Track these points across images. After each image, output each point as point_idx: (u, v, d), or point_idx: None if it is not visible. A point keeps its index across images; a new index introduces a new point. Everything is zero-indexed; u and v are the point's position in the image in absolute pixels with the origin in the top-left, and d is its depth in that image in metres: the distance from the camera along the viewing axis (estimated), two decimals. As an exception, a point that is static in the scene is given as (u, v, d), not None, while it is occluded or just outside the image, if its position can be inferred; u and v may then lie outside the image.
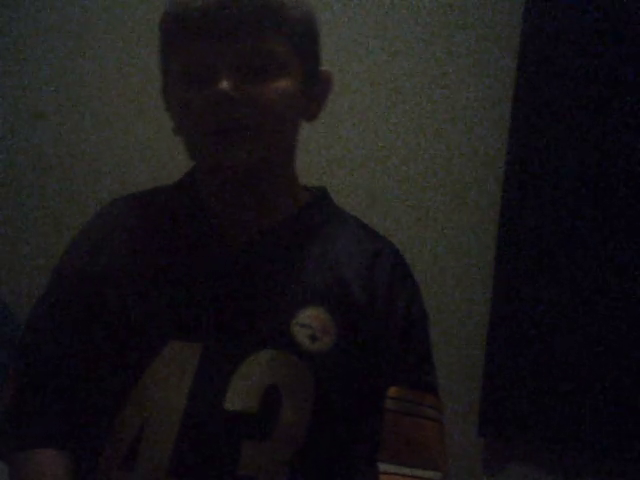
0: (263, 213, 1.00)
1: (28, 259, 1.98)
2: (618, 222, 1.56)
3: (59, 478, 0.93)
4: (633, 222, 1.56)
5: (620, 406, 1.54)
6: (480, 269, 1.69)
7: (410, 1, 1.77)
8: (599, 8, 1.59)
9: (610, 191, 1.57)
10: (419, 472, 0.95)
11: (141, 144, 1.94)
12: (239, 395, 0.91)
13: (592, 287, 1.57)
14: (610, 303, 1.56)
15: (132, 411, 0.92)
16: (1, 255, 2.04)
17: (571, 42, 1.60)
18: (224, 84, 0.91)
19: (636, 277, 1.55)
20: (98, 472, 0.93)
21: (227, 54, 0.92)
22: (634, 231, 1.56)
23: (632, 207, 1.56)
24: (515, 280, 1.63)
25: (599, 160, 1.58)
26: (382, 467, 0.94)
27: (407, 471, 0.94)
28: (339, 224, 1.05)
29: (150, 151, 1.92)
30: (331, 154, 1.79)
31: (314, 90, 1.01)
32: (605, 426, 1.55)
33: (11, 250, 2.03)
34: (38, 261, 1.94)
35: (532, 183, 1.63)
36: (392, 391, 0.96)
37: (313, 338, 0.94)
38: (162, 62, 1.01)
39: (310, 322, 0.94)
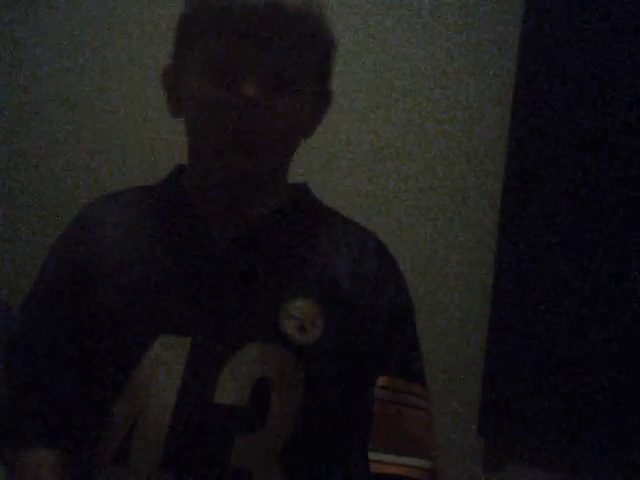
0: (249, 208, 1.01)
1: (28, 259, 1.98)
2: (618, 222, 1.56)
3: (54, 478, 0.93)
4: (633, 222, 1.56)
5: (620, 406, 1.54)
6: (480, 269, 1.69)
7: (410, 1, 1.77)
8: (599, 8, 1.59)
9: (610, 191, 1.57)
10: (408, 460, 0.95)
11: (141, 144, 1.94)
12: (229, 388, 0.91)
13: (592, 287, 1.57)
14: (610, 303, 1.56)
15: (124, 406, 0.92)
16: (1, 255, 2.05)
17: (571, 42, 1.60)
18: (251, 91, 0.91)
19: (636, 277, 1.55)
20: (92, 467, 0.93)
21: (259, 59, 0.93)
22: (635, 231, 1.56)
23: (633, 207, 1.56)
24: (515, 280, 1.63)
25: (599, 160, 1.58)
26: (371, 455, 0.95)
27: (396, 459, 0.95)
28: (323, 218, 1.07)
29: (150, 151, 1.92)
30: (331, 154, 1.79)
31: (320, 108, 1.03)
32: (605, 426, 1.55)
33: (11, 250, 2.03)
34: (38, 261, 1.94)
35: (532, 183, 1.63)
36: (381, 380, 0.97)
37: (301, 330, 0.95)
38: (182, 44, 1.00)
39: (298, 314, 0.95)
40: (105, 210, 1.04)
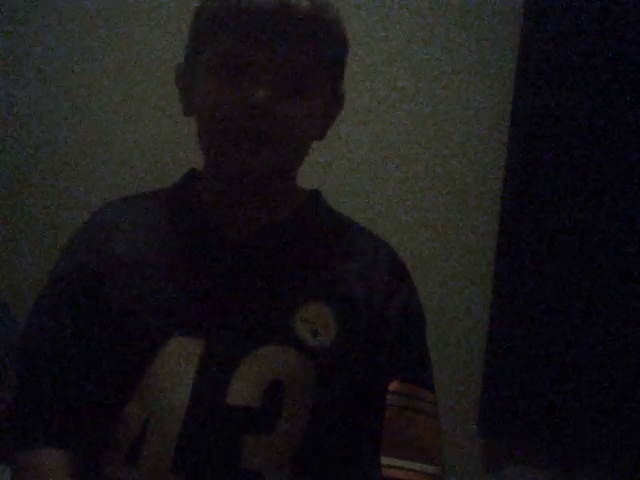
0: (263, 212, 1.01)
1: (28, 259, 1.98)
2: (618, 221, 1.56)
3: (62, 478, 0.93)
4: (633, 221, 1.56)
5: (620, 406, 1.54)
6: (480, 269, 1.70)
7: (410, 1, 1.77)
8: (599, 8, 1.59)
9: (610, 191, 1.57)
10: (417, 466, 0.95)
11: (141, 144, 1.94)
12: (242, 390, 0.91)
13: (592, 287, 1.57)
14: (610, 303, 1.56)
15: (135, 407, 0.92)
16: (1, 255, 2.04)
17: (571, 42, 1.60)
18: (262, 93, 0.91)
19: (636, 277, 1.55)
20: (102, 468, 0.93)
21: (270, 62, 0.92)
22: (634, 230, 1.56)
23: (632, 206, 1.56)
24: (515, 280, 1.63)
25: (599, 160, 1.58)
26: (382, 460, 0.95)
27: (406, 464, 0.95)
28: (336, 224, 1.07)
29: (150, 151, 1.92)
30: (331, 154, 1.79)
31: (332, 111, 1.03)
32: (605, 426, 1.55)
33: (11, 250, 2.03)
34: (38, 261, 1.94)
35: (532, 183, 1.63)
36: (391, 386, 0.97)
37: (314, 333, 0.95)
38: (194, 45, 1.00)
39: (311, 317, 0.95)
40: (118, 213, 1.04)
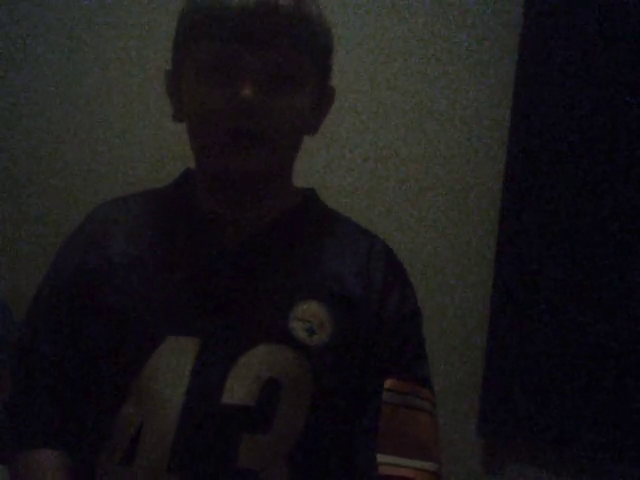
0: (258, 211, 1.01)
1: (28, 259, 1.98)
2: (618, 221, 1.56)
3: (57, 479, 0.93)
4: (633, 222, 1.56)
5: (620, 406, 1.54)
6: (480, 269, 1.70)
7: (410, 1, 1.77)
8: (599, 8, 1.59)
9: (610, 191, 1.57)
10: (416, 463, 0.96)
11: (141, 144, 1.94)
12: (237, 389, 0.92)
13: (592, 287, 1.57)
14: (610, 303, 1.56)
15: (131, 407, 0.93)
16: (1, 255, 2.05)
17: (571, 42, 1.60)
18: (248, 91, 0.92)
19: (636, 277, 1.55)
20: (98, 468, 0.94)
21: (255, 60, 0.93)
22: (634, 231, 1.56)
23: (632, 207, 1.56)
24: (515, 280, 1.63)
25: (599, 160, 1.58)
26: (379, 458, 0.95)
27: (404, 462, 0.95)
28: (331, 222, 1.07)
29: (150, 151, 1.92)
30: (331, 154, 1.79)
31: (321, 106, 1.03)
32: (605, 426, 1.55)
33: (11, 250, 2.03)
34: (38, 261, 1.94)
35: (532, 183, 1.63)
36: (387, 383, 0.98)
37: (310, 332, 0.95)
38: (179, 49, 1.00)
39: (307, 316, 0.96)
40: (113, 213, 1.05)
